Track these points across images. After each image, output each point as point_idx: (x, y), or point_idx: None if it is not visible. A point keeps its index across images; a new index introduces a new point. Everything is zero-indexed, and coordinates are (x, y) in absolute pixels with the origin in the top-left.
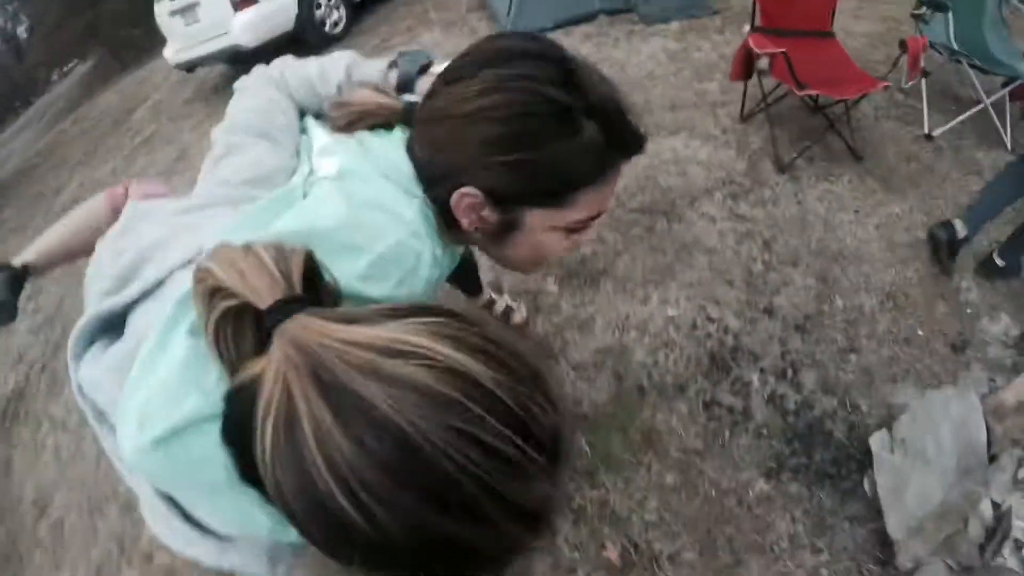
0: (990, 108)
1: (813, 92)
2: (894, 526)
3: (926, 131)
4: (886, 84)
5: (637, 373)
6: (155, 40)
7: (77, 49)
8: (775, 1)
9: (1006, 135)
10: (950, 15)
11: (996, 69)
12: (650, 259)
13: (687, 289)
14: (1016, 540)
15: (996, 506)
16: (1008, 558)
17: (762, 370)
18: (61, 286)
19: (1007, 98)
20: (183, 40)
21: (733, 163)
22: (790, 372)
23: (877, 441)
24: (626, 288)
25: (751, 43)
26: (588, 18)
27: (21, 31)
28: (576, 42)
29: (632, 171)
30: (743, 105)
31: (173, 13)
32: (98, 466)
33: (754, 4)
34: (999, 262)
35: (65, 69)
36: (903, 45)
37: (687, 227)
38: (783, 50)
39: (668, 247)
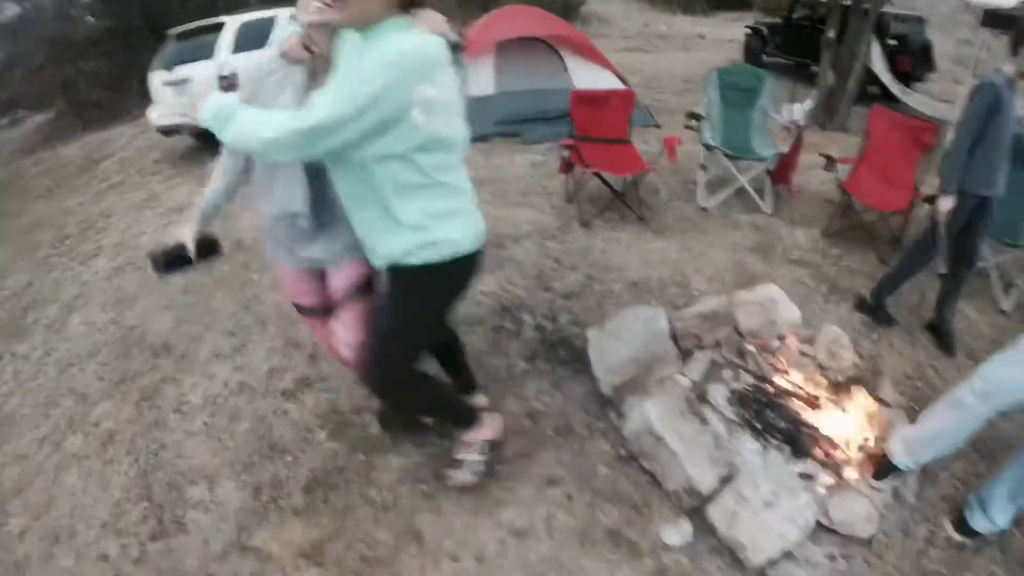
0: (747, 185)
1: (597, 170)
2: (598, 371)
3: (702, 204)
4: (651, 167)
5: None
6: (123, 106)
7: (37, 99)
8: (585, 118)
9: (762, 202)
10: (716, 126)
11: (754, 159)
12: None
13: (501, 277)
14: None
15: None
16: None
17: (533, 314)
18: None
19: (768, 177)
20: (170, 108)
21: (551, 222)
22: (552, 316)
23: (593, 332)
24: None
25: (563, 144)
26: (484, 138)
27: None
28: (474, 153)
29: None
30: (567, 190)
31: (167, 83)
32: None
33: (572, 120)
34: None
35: (17, 116)
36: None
37: (509, 251)
38: (572, 143)
39: (493, 261)
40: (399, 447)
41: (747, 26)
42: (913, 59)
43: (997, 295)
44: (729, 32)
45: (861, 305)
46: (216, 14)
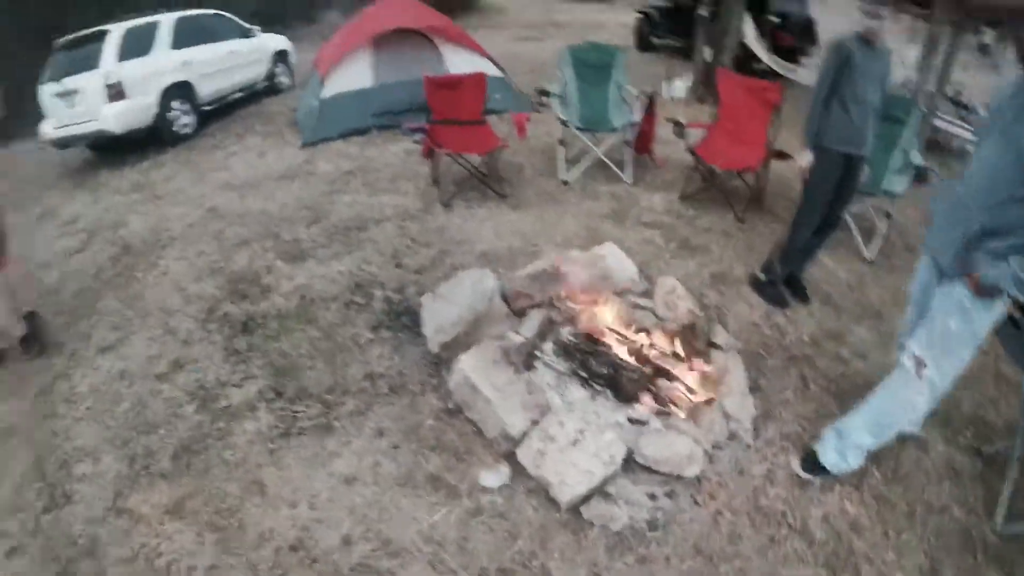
0: (603, 157)
1: (451, 151)
2: (428, 331)
3: (562, 178)
4: (503, 143)
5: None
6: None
7: None
8: (441, 103)
9: (622, 172)
10: (572, 104)
11: (608, 131)
12: (340, 246)
13: (358, 258)
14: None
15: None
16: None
17: (383, 287)
18: None
19: (627, 147)
20: (60, 120)
21: (414, 205)
22: (401, 289)
23: (427, 297)
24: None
25: (411, 127)
26: (363, 131)
27: None
28: (349, 146)
29: (351, 211)
30: (432, 174)
31: (56, 96)
32: None
33: (429, 106)
34: (761, 276)
35: None
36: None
37: (369, 233)
38: (423, 127)
39: (353, 243)
40: (255, 413)
41: (637, 11)
42: (794, 35)
43: (858, 244)
44: (626, 18)
45: (754, 282)
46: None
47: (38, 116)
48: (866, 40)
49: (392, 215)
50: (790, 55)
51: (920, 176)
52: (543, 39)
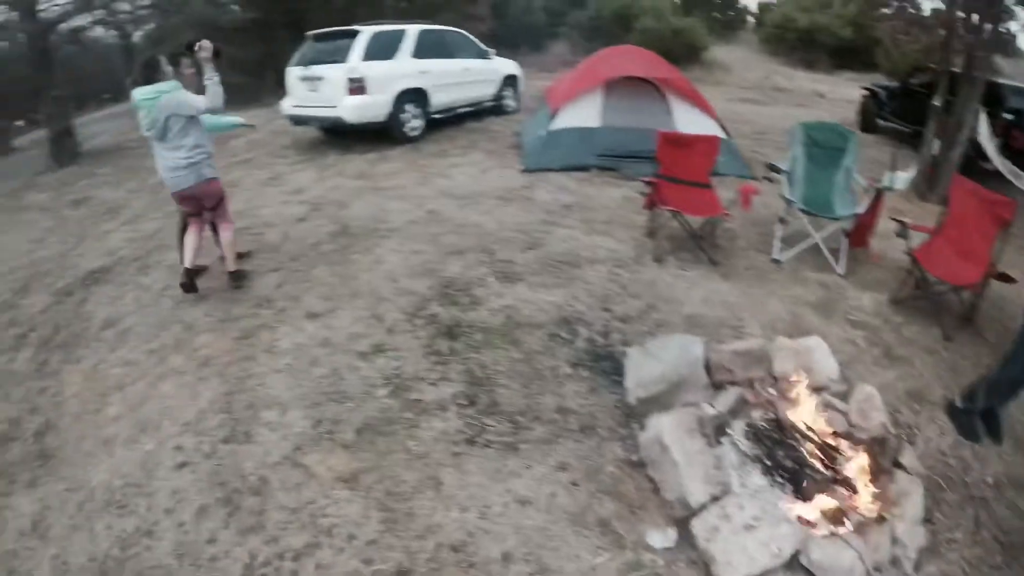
0: (821, 243)
1: (674, 209)
2: (629, 383)
3: (774, 256)
4: (726, 212)
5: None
6: (258, 92)
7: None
8: (670, 159)
9: (835, 262)
10: (798, 182)
11: (831, 217)
12: (551, 276)
13: (568, 293)
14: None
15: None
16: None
17: (589, 327)
18: None
19: (844, 237)
20: (301, 101)
21: (627, 253)
22: (605, 333)
23: (634, 349)
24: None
25: (645, 180)
26: (584, 168)
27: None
28: (569, 180)
29: (565, 245)
30: (648, 226)
31: (301, 79)
32: None
33: (657, 160)
34: (959, 404)
35: None
36: (740, 190)
37: (581, 272)
38: (654, 181)
39: (565, 277)
40: (444, 413)
41: (864, 87)
42: None
43: None
44: (849, 92)
45: (949, 409)
46: (352, 19)
47: (276, 90)
48: None
49: (605, 258)
50: (1021, 158)
51: None
52: (764, 103)
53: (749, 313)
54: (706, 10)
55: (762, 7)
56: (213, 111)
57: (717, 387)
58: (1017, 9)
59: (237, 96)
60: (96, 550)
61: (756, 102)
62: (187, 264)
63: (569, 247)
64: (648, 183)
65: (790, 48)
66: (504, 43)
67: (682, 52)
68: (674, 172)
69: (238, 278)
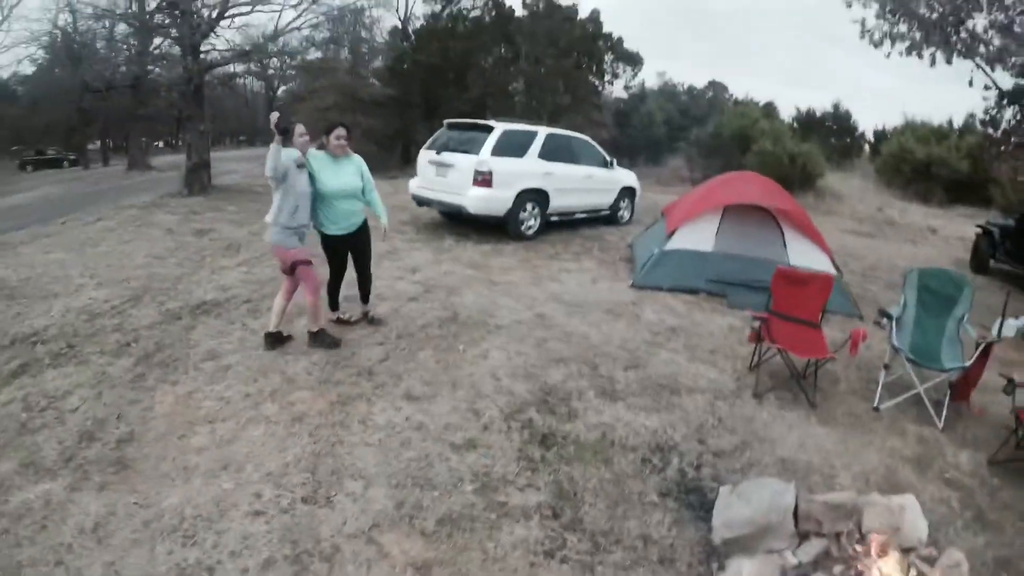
0: (924, 396)
1: (780, 347)
2: (716, 521)
3: (875, 404)
4: (832, 356)
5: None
6: (385, 164)
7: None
8: (783, 295)
9: (937, 417)
10: (907, 329)
11: (938, 369)
12: (650, 399)
13: (665, 419)
14: None
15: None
16: None
17: (682, 458)
18: None
19: (948, 390)
20: (428, 183)
21: (728, 384)
22: (697, 466)
23: (725, 488)
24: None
25: (756, 315)
26: (693, 291)
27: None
28: (677, 301)
29: (667, 369)
30: (752, 358)
31: (431, 163)
32: None
33: (770, 294)
34: None
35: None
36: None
37: (680, 399)
38: (764, 316)
39: (664, 402)
40: (528, 521)
41: (979, 225)
42: None
43: None
44: (962, 229)
45: None
46: (484, 110)
47: (403, 164)
48: None
49: (705, 388)
50: None
51: None
52: (876, 236)
53: (843, 462)
54: (823, 136)
55: (878, 135)
56: (270, 176)
57: (803, 536)
58: None
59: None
60: (153, 571)
61: (867, 235)
62: (269, 327)
63: (671, 371)
64: (758, 318)
65: (905, 180)
66: (624, 152)
67: (798, 177)
68: (786, 309)
69: (315, 339)
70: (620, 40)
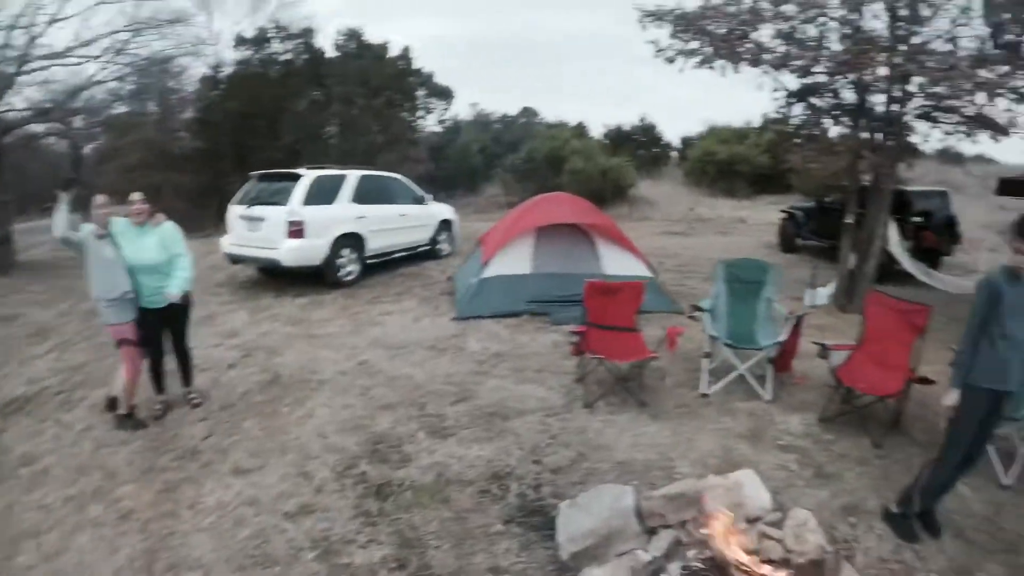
0: (746, 374)
1: (600, 356)
2: (561, 538)
3: (702, 391)
4: (654, 355)
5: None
6: (199, 221)
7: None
8: (597, 307)
9: (762, 389)
10: (721, 317)
11: (755, 348)
12: (481, 429)
13: (499, 447)
14: None
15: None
16: None
17: (520, 482)
18: None
19: (769, 364)
20: (241, 239)
21: (558, 401)
22: (537, 487)
23: (564, 504)
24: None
25: (574, 329)
26: (515, 314)
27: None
28: (500, 327)
29: (495, 396)
30: (578, 373)
31: (242, 218)
32: None
33: (585, 308)
34: (894, 509)
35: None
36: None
37: (512, 424)
38: (582, 330)
39: (496, 431)
40: None
41: (782, 210)
42: (937, 234)
43: (997, 470)
44: (769, 216)
45: (886, 516)
46: (298, 156)
47: (217, 221)
48: (1015, 274)
49: (535, 408)
50: (933, 255)
51: None
52: (690, 234)
53: (680, 452)
54: (632, 148)
55: (684, 142)
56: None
57: (651, 532)
58: (916, 123)
59: (180, 224)
60: None
61: (682, 234)
62: (121, 408)
63: (499, 397)
64: (575, 332)
65: (712, 179)
66: (441, 185)
67: (611, 190)
68: (601, 319)
69: (121, 421)
70: (431, 75)
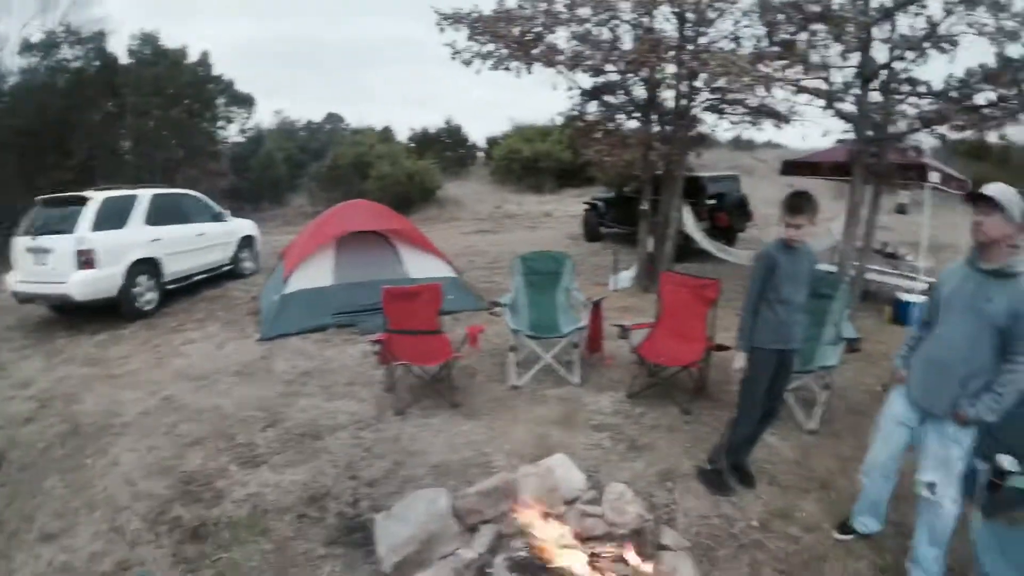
0: (552, 362)
1: (406, 362)
2: (381, 551)
3: (512, 384)
4: (458, 355)
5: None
6: None
7: None
8: (397, 313)
9: (570, 375)
10: (522, 310)
11: (558, 336)
12: (294, 453)
13: (312, 468)
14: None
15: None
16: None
17: (337, 500)
18: None
19: (575, 349)
20: (28, 275)
21: (369, 412)
22: (355, 503)
23: (381, 516)
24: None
25: (375, 338)
26: (322, 328)
27: None
28: (307, 343)
29: (306, 415)
30: (387, 382)
31: (29, 250)
32: None
33: (385, 315)
34: (707, 466)
35: None
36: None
37: (324, 443)
38: (383, 338)
39: (308, 452)
40: None
41: (585, 202)
42: (729, 214)
43: (799, 418)
44: (574, 208)
45: (700, 475)
46: (91, 177)
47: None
48: (788, 245)
49: (347, 423)
50: (728, 233)
51: (852, 346)
52: (497, 231)
53: (495, 447)
54: (439, 150)
55: (490, 142)
56: None
57: (472, 530)
58: (704, 115)
59: None
60: None
61: (490, 232)
62: None
63: (310, 417)
64: (377, 341)
65: (517, 177)
66: (246, 198)
67: (418, 193)
68: (402, 324)
69: None
70: (231, 83)
